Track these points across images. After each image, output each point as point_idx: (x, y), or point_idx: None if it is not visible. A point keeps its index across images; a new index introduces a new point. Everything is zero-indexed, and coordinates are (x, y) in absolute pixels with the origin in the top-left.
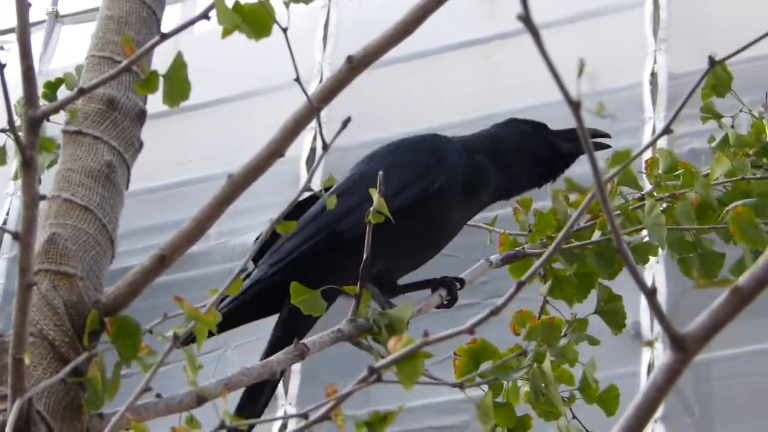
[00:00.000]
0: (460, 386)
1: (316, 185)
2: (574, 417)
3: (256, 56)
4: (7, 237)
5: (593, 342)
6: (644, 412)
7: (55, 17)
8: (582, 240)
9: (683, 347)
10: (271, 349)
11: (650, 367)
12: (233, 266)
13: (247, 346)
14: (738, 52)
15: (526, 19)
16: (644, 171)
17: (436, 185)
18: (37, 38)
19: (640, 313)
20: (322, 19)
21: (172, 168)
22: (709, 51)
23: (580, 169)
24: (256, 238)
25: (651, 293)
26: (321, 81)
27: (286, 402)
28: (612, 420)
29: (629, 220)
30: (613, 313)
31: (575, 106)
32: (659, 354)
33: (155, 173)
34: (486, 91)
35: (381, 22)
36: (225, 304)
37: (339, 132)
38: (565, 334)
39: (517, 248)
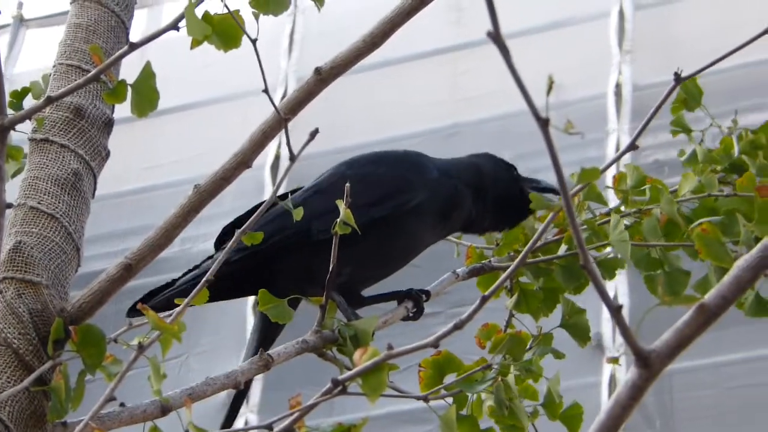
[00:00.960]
0: (425, 399)
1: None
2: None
3: (222, 63)
4: None
5: (558, 356)
6: (608, 429)
7: (20, 21)
8: (549, 254)
9: (648, 364)
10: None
11: (612, 378)
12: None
13: (209, 354)
14: (702, 70)
15: (495, 36)
16: (611, 186)
17: (415, 202)
18: (1, 42)
19: (602, 324)
20: (288, 27)
21: (138, 173)
22: (674, 63)
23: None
24: (220, 244)
25: (617, 310)
26: (286, 89)
27: (247, 410)
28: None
29: (596, 235)
30: (577, 326)
31: (543, 122)
32: (621, 366)
33: (121, 178)
34: (452, 100)
35: (347, 32)
36: (185, 281)
37: (307, 143)
38: (530, 348)
39: (484, 261)
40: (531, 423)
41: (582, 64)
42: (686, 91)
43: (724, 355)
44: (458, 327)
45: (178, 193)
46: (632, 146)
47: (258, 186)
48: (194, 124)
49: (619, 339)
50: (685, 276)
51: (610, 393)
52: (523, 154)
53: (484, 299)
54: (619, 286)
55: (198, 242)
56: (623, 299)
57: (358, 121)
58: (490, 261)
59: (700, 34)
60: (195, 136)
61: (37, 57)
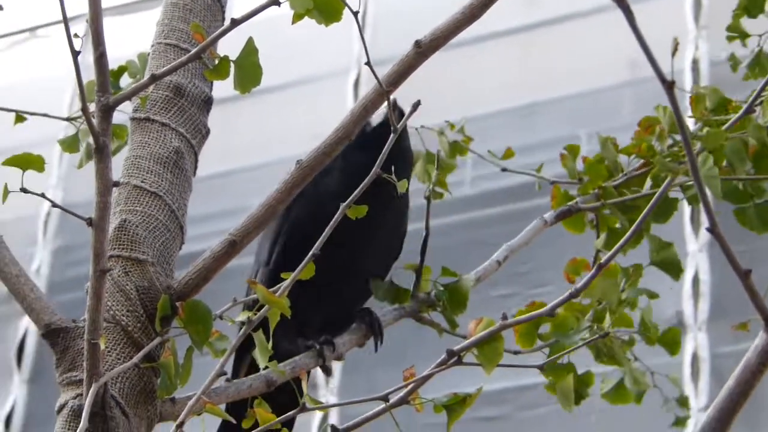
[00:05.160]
0: (540, 368)
1: None
2: (635, 359)
3: (296, 46)
4: (50, 227)
5: (652, 296)
6: (738, 395)
7: None
8: (632, 186)
9: None
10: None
11: (694, 356)
12: None
13: None
14: None
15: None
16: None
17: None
18: (78, 29)
19: (683, 301)
20: (360, 9)
21: (241, 152)
22: (750, 37)
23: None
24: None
25: (746, 274)
26: (359, 71)
27: (327, 392)
28: (674, 360)
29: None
30: (667, 261)
31: (669, 85)
32: (703, 343)
33: (223, 158)
34: (525, 80)
35: (417, 14)
36: None
37: (409, 115)
38: (623, 290)
39: (570, 203)
40: (629, 350)
41: (658, 41)
42: None
43: None
44: (573, 296)
45: (277, 171)
46: (750, 110)
47: None
48: (268, 108)
49: (701, 316)
50: None
51: (693, 371)
52: (599, 131)
53: (600, 266)
54: (700, 262)
55: None
56: (704, 275)
57: (431, 101)
58: (576, 202)
59: None
60: (270, 120)
61: (112, 45)
